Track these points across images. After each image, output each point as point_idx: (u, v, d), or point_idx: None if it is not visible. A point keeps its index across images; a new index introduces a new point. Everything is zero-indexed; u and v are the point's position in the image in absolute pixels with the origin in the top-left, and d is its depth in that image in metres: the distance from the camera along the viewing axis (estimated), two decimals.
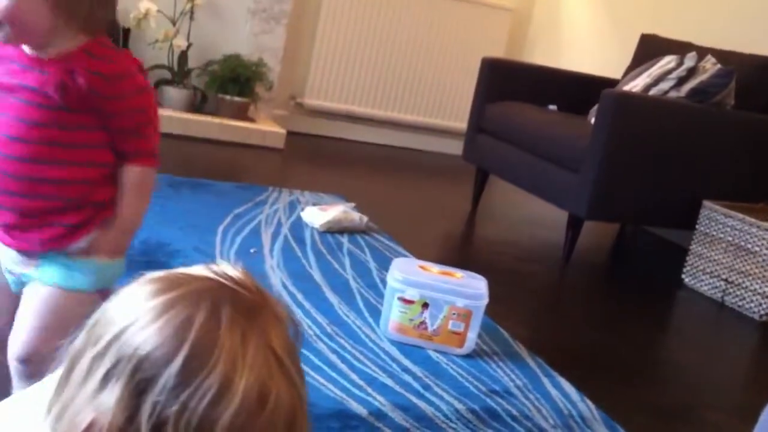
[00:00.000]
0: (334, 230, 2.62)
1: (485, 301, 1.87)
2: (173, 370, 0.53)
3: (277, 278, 2.13)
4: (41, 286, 1.11)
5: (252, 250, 2.31)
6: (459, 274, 1.94)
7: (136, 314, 0.55)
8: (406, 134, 4.51)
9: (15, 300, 1.14)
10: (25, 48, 1.08)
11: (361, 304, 2.07)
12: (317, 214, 2.65)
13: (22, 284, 1.14)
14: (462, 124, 4.28)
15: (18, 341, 1.10)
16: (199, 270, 0.60)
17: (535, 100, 3.33)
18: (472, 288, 1.87)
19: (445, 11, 4.33)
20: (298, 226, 2.61)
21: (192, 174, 2.93)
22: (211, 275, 0.59)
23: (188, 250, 2.18)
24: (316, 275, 2.22)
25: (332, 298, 2.08)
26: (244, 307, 0.57)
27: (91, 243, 1.11)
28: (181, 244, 2.21)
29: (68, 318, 1.05)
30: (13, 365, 1.12)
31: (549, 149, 2.94)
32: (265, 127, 3.81)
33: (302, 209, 2.75)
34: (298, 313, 1.93)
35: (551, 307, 2.54)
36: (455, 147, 4.38)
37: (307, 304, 1.99)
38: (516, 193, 3.34)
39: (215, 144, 3.60)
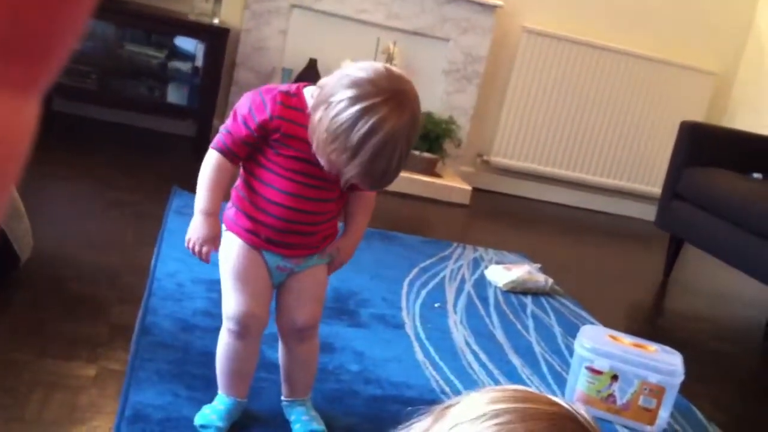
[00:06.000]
0: (517, 291, 2.59)
1: (681, 378, 1.77)
2: None
3: (460, 335, 2.14)
4: (314, 267, 1.46)
5: (436, 305, 2.33)
6: (652, 347, 1.85)
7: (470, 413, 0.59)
8: (594, 196, 4.40)
9: (272, 291, 1.46)
10: None
11: (545, 370, 2.02)
12: (501, 273, 2.64)
13: (286, 276, 1.45)
14: (654, 188, 4.13)
15: (304, 314, 1.45)
16: (546, 396, 0.61)
17: (736, 167, 3.15)
18: (666, 363, 1.78)
19: (641, 72, 4.21)
20: (481, 284, 2.61)
21: (381, 226, 3.03)
22: (560, 403, 0.60)
23: (376, 300, 2.25)
24: (499, 335, 2.20)
25: (515, 360, 2.05)
26: None
27: (337, 249, 1.47)
28: (369, 294, 2.28)
29: (324, 289, 1.48)
30: (292, 335, 1.46)
31: (753, 221, 2.75)
32: (452, 183, 3.86)
33: (486, 267, 2.75)
34: (481, 373, 1.92)
35: (751, 391, 2.35)
36: (646, 212, 4.22)
37: (490, 365, 1.98)
38: (713, 263, 3.15)
39: (403, 197, 3.70)
